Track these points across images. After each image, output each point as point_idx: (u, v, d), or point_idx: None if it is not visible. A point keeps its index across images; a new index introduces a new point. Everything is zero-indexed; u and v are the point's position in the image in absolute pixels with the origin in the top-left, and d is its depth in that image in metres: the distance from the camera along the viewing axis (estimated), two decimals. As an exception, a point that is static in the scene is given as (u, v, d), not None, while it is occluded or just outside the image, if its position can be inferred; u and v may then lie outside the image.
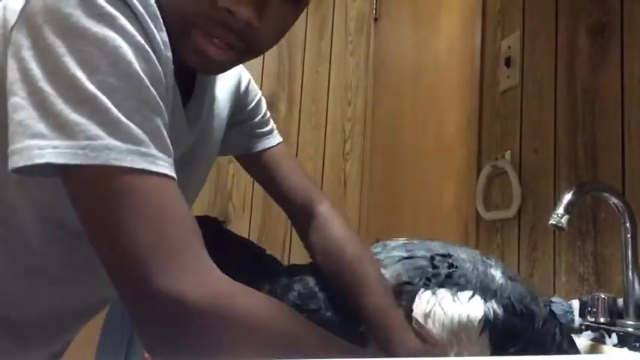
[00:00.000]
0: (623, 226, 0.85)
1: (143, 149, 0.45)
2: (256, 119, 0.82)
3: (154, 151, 0.46)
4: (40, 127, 0.44)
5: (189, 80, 0.63)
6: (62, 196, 0.47)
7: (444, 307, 0.63)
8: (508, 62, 1.33)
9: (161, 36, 0.51)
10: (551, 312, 0.67)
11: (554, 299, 0.99)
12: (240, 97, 0.79)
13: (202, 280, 0.45)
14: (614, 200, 0.85)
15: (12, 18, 0.49)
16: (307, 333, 0.51)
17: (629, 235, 0.84)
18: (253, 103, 0.81)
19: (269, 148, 0.82)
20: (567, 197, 0.81)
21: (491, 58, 1.42)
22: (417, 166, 1.80)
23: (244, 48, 0.56)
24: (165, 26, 0.52)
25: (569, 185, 0.92)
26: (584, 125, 1.07)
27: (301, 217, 0.79)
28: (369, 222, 2.17)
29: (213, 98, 0.71)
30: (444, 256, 0.69)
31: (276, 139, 0.83)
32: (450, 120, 1.61)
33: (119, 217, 0.44)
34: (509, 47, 1.34)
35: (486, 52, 1.44)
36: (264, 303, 0.49)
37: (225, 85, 0.75)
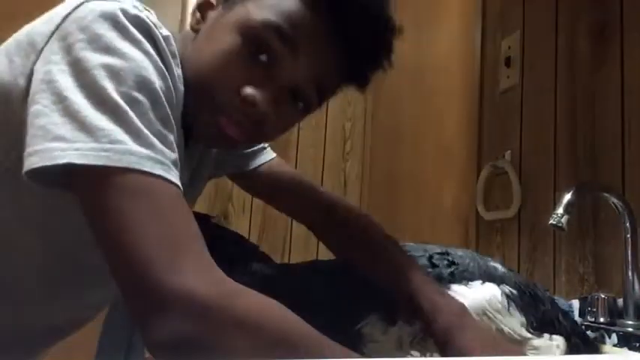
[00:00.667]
0: (623, 226, 0.85)
1: (160, 157, 0.48)
2: None
3: (168, 162, 0.48)
4: (63, 131, 0.45)
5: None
6: (55, 211, 0.48)
7: (466, 296, 0.64)
8: (508, 62, 1.33)
9: (177, 71, 0.55)
10: (553, 299, 0.69)
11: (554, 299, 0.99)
12: None
13: (210, 278, 0.46)
14: (614, 200, 0.85)
15: (39, 42, 0.51)
16: (304, 334, 0.51)
17: (629, 235, 0.84)
18: None
19: (264, 163, 0.85)
20: (567, 197, 0.81)
21: (491, 58, 1.42)
22: (417, 166, 1.80)
23: (256, 135, 0.63)
24: (187, 92, 0.57)
25: (569, 185, 0.92)
26: (584, 125, 1.07)
27: (325, 226, 0.83)
28: (369, 222, 2.17)
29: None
30: (441, 254, 0.69)
31: (269, 154, 0.86)
32: (450, 120, 1.61)
33: (134, 218, 0.45)
34: (509, 47, 1.34)
35: (486, 52, 1.44)
36: (266, 303, 0.50)
37: None
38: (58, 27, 0.50)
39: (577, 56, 1.11)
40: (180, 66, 0.56)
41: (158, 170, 0.47)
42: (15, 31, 0.58)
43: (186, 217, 0.48)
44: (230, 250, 0.81)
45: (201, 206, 2.09)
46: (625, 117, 0.97)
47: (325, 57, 0.61)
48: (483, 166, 1.38)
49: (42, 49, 0.50)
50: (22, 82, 0.50)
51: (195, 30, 0.63)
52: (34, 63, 0.50)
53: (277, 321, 0.49)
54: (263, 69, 0.58)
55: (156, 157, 0.47)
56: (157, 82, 0.50)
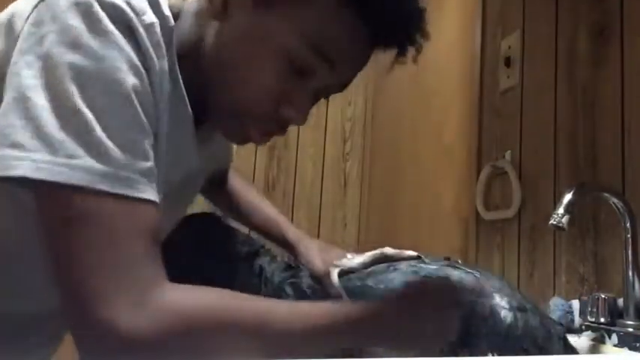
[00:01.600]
0: (623, 226, 0.85)
1: (122, 173, 0.45)
2: None
3: (133, 175, 0.46)
4: (20, 137, 0.43)
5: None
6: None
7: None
8: (508, 62, 1.33)
9: (161, 65, 0.51)
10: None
11: (554, 299, 0.99)
12: None
13: (137, 304, 0.44)
14: (614, 200, 0.85)
15: (19, 24, 0.49)
16: (269, 307, 0.51)
17: (629, 235, 0.84)
18: None
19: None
20: (567, 197, 0.81)
21: (491, 58, 1.42)
22: (417, 166, 1.80)
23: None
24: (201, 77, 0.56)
25: (569, 185, 0.92)
26: (584, 125, 1.07)
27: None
28: (368, 222, 2.17)
29: None
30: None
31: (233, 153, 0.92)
32: (450, 120, 1.61)
33: (79, 243, 0.43)
34: (509, 47, 1.34)
35: (486, 52, 1.44)
36: (209, 301, 0.49)
37: None
38: (34, 8, 0.48)
39: (577, 56, 1.11)
40: (168, 55, 0.53)
41: (117, 188, 0.44)
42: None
43: (139, 240, 0.46)
44: (239, 249, 0.82)
45: (200, 205, 2.09)
46: (625, 117, 0.97)
47: (359, 60, 0.60)
48: (483, 166, 1.38)
49: (19, 33, 0.48)
50: (6, 70, 0.47)
51: (217, 18, 0.57)
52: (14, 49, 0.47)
53: (239, 314, 0.49)
54: (300, 83, 0.57)
55: (116, 174, 0.44)
56: (130, 82, 0.47)
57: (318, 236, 2.16)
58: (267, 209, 0.94)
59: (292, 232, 0.90)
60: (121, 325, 0.43)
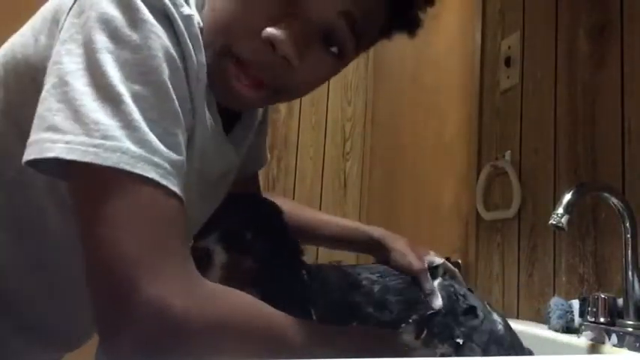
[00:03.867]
0: (623, 226, 0.85)
1: (156, 159, 0.44)
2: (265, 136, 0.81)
3: (166, 164, 0.44)
4: (57, 119, 0.42)
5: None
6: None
7: None
8: (508, 62, 1.33)
9: (198, 57, 0.50)
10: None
11: (554, 299, 0.99)
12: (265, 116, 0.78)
13: (187, 287, 0.44)
14: (614, 200, 0.85)
15: (62, 18, 0.49)
16: (286, 325, 0.51)
17: (629, 235, 0.84)
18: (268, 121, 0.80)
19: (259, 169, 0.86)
20: (567, 197, 0.81)
21: (491, 58, 1.42)
22: (417, 166, 1.80)
23: (278, 88, 0.55)
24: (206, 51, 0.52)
25: (569, 185, 0.92)
26: (584, 125, 1.07)
27: None
28: (369, 222, 2.17)
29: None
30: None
31: (266, 158, 0.85)
32: (450, 120, 1.61)
33: (114, 219, 0.42)
34: (509, 47, 1.34)
35: (486, 52, 1.44)
36: (244, 302, 0.49)
37: None
38: (75, 1, 0.48)
39: (577, 56, 1.11)
40: (203, 49, 0.51)
41: (151, 173, 0.43)
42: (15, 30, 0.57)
43: (172, 225, 0.44)
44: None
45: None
46: (625, 117, 0.97)
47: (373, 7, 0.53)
48: (483, 166, 1.38)
49: (62, 26, 0.47)
50: (47, 64, 0.47)
51: None
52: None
53: (260, 318, 0.49)
54: (287, 4, 0.51)
55: (151, 159, 0.43)
56: (166, 74, 0.46)
57: (318, 236, 2.16)
58: (338, 219, 0.89)
59: (377, 231, 0.84)
60: (177, 304, 0.41)
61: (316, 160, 2.21)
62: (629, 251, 0.84)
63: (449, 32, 1.67)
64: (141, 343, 0.41)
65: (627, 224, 0.84)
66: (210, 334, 0.44)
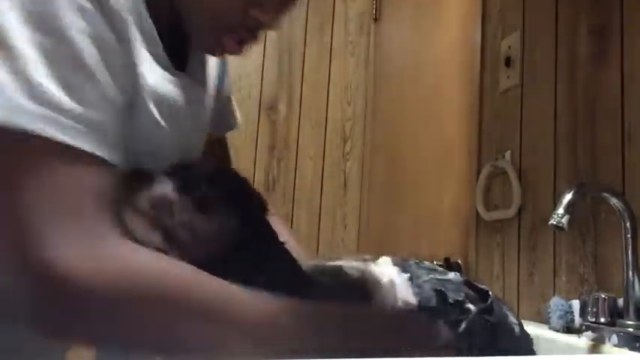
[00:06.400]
0: (623, 226, 0.85)
1: (58, 116, 0.42)
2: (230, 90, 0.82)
3: (78, 124, 0.43)
4: None
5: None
6: None
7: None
8: (508, 62, 1.33)
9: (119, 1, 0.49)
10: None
11: (554, 299, 0.99)
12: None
13: (84, 250, 0.44)
14: (614, 200, 0.85)
15: None
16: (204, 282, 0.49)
17: (629, 235, 0.84)
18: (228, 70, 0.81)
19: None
20: (567, 197, 0.81)
21: (491, 58, 1.42)
22: (417, 166, 1.80)
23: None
24: (190, 17, 0.57)
25: (569, 185, 0.92)
26: (584, 125, 1.07)
27: None
28: (369, 222, 2.17)
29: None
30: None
31: (237, 117, 0.84)
32: (450, 120, 1.61)
33: (24, 188, 0.42)
34: (509, 47, 1.34)
35: (486, 52, 1.44)
36: (159, 269, 0.48)
37: None
38: None
39: (577, 56, 1.11)
40: None
41: (52, 131, 0.42)
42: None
43: (86, 192, 0.44)
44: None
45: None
46: (625, 117, 0.97)
47: None
48: (483, 166, 1.38)
49: None
50: None
51: None
52: None
53: (172, 274, 0.47)
54: None
55: (54, 117, 0.42)
56: (76, 23, 0.44)
57: (318, 236, 2.16)
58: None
59: None
60: (62, 267, 0.42)
61: (316, 160, 2.21)
62: (629, 251, 0.84)
63: (449, 32, 1.67)
64: (32, 304, 0.43)
65: (627, 224, 0.84)
66: (102, 296, 0.44)
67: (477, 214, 1.38)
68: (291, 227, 2.15)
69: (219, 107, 0.78)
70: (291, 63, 2.20)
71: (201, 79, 0.68)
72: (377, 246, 2.04)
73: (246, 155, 2.09)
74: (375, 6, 2.28)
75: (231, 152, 0.90)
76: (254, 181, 2.10)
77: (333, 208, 2.20)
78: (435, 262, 1.46)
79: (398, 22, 2.08)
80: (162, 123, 0.57)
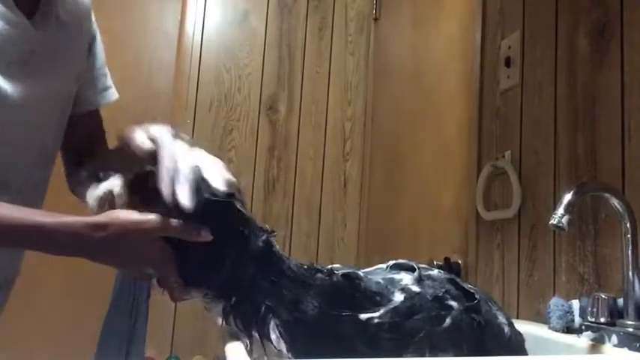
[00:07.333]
0: (623, 226, 0.85)
1: None
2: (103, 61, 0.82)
3: None
4: None
5: None
6: None
7: None
8: (508, 62, 1.33)
9: None
10: None
11: (554, 299, 0.99)
12: (91, 26, 0.79)
13: None
14: (614, 200, 0.85)
15: None
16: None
17: (629, 235, 0.84)
18: (98, 38, 0.81)
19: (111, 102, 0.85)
20: (567, 197, 0.81)
21: (491, 58, 1.42)
22: (417, 166, 1.80)
23: None
24: None
25: (569, 185, 0.92)
26: (584, 125, 1.07)
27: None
28: (368, 222, 2.17)
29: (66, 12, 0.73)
30: None
31: (115, 94, 0.84)
32: (450, 120, 1.61)
33: None
34: (509, 47, 1.34)
35: (486, 52, 1.44)
36: None
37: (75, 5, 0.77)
38: None
39: (577, 56, 1.11)
40: None
41: None
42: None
43: None
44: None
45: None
46: (625, 117, 0.97)
47: None
48: (483, 166, 1.38)
49: None
50: None
51: None
52: None
53: None
54: None
55: None
56: None
57: (318, 236, 2.17)
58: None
59: None
60: None
61: (316, 160, 2.21)
62: (629, 251, 0.84)
63: (449, 32, 1.67)
64: None
65: (627, 224, 0.84)
66: None
67: (477, 214, 1.38)
68: (292, 226, 2.15)
69: (90, 79, 0.79)
70: (291, 63, 2.20)
71: (44, 26, 0.69)
72: (377, 246, 2.04)
73: (246, 155, 2.09)
74: (374, 6, 2.28)
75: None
76: (254, 180, 2.10)
77: (333, 208, 2.20)
78: (435, 262, 1.46)
79: (398, 22, 2.08)
80: None
